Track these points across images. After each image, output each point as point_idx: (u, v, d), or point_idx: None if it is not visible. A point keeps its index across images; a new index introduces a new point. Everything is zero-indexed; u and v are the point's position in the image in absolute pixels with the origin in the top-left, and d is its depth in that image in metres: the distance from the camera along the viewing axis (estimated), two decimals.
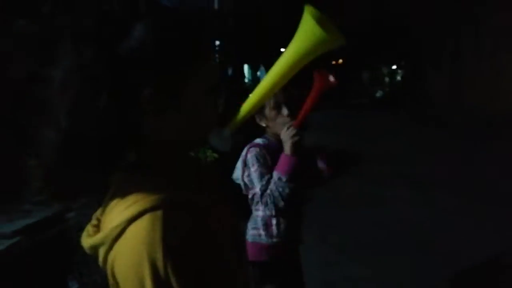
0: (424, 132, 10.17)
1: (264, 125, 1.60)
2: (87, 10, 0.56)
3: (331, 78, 1.44)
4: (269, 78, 0.79)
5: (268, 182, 1.45)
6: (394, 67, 24.27)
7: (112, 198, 0.63)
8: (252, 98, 0.80)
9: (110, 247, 0.58)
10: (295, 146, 1.44)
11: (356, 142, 8.72)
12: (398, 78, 23.98)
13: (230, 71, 7.06)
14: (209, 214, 0.64)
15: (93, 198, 0.77)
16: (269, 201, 1.41)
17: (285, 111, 1.53)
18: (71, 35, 0.56)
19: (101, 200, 0.72)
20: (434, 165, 6.24)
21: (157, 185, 0.62)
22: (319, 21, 0.69)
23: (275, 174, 1.43)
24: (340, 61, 25.48)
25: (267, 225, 1.58)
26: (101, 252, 0.60)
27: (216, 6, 8.10)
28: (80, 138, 0.57)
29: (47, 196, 0.66)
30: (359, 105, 20.29)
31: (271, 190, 1.42)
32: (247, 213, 1.63)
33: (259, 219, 1.59)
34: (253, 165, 1.49)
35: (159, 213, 0.57)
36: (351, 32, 21.70)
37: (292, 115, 1.51)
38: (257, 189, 1.46)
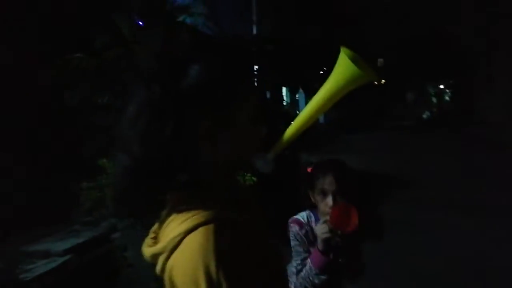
0: (476, 154, 9.63)
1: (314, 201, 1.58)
2: (151, 51, 0.69)
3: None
4: (309, 108, 0.89)
5: (304, 263, 1.47)
6: (441, 86, 23.40)
7: (169, 214, 0.72)
8: (294, 125, 0.88)
9: (169, 256, 0.66)
10: (326, 243, 1.42)
11: (402, 165, 8.42)
12: (446, 98, 23.07)
13: (268, 95, 7.17)
14: (250, 231, 0.72)
15: (144, 217, 0.88)
16: (302, 282, 1.46)
17: (330, 201, 1.46)
18: (141, 74, 0.69)
19: (145, 221, 0.80)
20: (486, 190, 5.86)
21: (208, 203, 0.70)
22: (353, 60, 0.82)
23: (309, 262, 1.45)
24: (383, 81, 25.01)
25: None
26: (160, 261, 0.68)
27: (254, 31, 8.34)
28: (149, 162, 0.67)
29: (114, 213, 0.77)
30: (404, 127, 19.60)
31: (304, 274, 1.45)
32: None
33: (295, 283, 1.54)
34: (292, 240, 1.53)
35: (211, 226, 0.66)
36: (393, 50, 21.33)
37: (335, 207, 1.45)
38: (293, 266, 1.50)
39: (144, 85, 0.68)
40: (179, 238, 0.66)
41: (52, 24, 3.32)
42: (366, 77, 0.83)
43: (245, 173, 3.12)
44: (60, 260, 2.71)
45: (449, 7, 15.49)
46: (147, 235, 0.77)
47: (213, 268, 0.62)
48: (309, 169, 1.58)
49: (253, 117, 0.74)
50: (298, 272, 1.48)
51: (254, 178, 3.18)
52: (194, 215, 0.67)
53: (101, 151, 3.02)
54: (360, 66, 0.82)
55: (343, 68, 0.84)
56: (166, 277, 0.67)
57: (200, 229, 0.65)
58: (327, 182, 1.46)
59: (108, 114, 2.79)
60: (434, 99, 24.58)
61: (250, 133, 0.75)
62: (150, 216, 0.80)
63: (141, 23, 2.99)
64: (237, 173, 0.85)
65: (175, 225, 0.68)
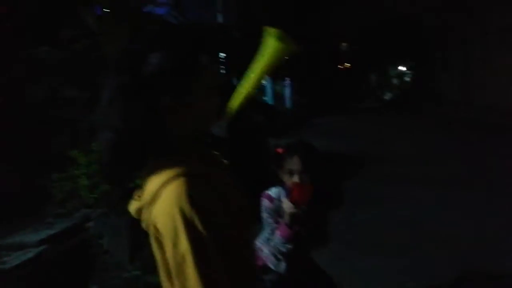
0: (435, 132, 10.18)
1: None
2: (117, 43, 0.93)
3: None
4: (247, 79, 1.16)
5: (273, 233, 1.65)
6: (403, 68, 24.22)
7: (147, 176, 0.88)
8: (237, 96, 1.14)
9: (150, 206, 0.83)
10: (291, 217, 1.59)
11: (367, 145, 8.77)
12: (407, 79, 23.92)
13: (235, 81, 7.27)
14: (221, 184, 0.90)
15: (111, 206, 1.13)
16: (271, 250, 1.65)
17: (296, 180, 1.63)
18: (110, 64, 0.87)
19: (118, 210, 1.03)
20: (446, 165, 6.27)
21: (179, 163, 0.86)
22: (277, 36, 1.12)
23: (277, 233, 1.63)
24: (348, 65, 25.58)
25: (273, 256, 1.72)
26: (144, 213, 0.86)
27: (220, 20, 8.36)
28: (129, 133, 0.84)
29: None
30: (369, 108, 20.27)
31: (273, 243, 1.64)
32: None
33: (266, 250, 1.72)
34: (263, 213, 1.70)
35: (184, 178, 0.82)
36: (357, 35, 21.77)
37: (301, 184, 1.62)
38: (266, 233, 1.69)
39: (114, 73, 0.85)
40: (156, 190, 0.82)
41: (17, 18, 3.27)
42: (287, 49, 1.13)
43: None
44: (35, 251, 2.76)
45: None
46: (121, 222, 0.99)
47: (188, 211, 0.78)
48: (278, 150, 1.74)
49: (208, 90, 0.90)
50: (268, 239, 1.66)
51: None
52: (168, 172, 0.83)
53: (70, 144, 3.05)
54: (284, 41, 1.12)
55: (269, 43, 1.13)
56: (151, 226, 0.84)
57: (174, 182, 0.81)
58: (294, 162, 1.63)
59: (74, 107, 2.83)
60: (395, 81, 25.44)
61: (207, 106, 0.91)
62: (124, 203, 0.99)
63: (106, 15, 3.01)
64: (202, 139, 1.00)
65: (153, 181, 0.85)
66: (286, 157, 1.67)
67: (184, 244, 0.78)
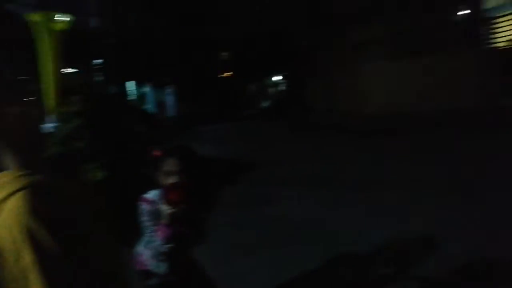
0: (305, 136, 11.28)
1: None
2: None
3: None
4: (45, 76, 1.35)
5: (153, 235, 1.71)
6: (279, 77, 26.11)
7: None
8: (48, 96, 1.31)
9: None
10: (169, 217, 1.67)
11: (246, 150, 9.30)
12: (282, 88, 25.87)
13: (113, 89, 6.99)
14: (72, 195, 0.91)
15: None
16: (153, 251, 1.73)
17: (172, 179, 1.71)
18: None
19: None
20: (316, 165, 7.01)
21: (22, 176, 0.86)
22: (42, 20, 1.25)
23: (157, 234, 1.69)
24: (228, 74, 26.43)
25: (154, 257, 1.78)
26: None
27: (93, 24, 7.87)
28: None
29: None
30: (249, 116, 21.31)
31: (154, 244, 1.71)
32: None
33: (146, 254, 1.79)
34: (142, 216, 1.74)
35: (25, 191, 0.82)
36: (239, 46, 22.67)
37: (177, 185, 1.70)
38: (146, 237, 1.75)
39: None
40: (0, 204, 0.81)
41: None
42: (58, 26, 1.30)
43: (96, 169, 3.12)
44: None
45: (285, 11, 17.31)
46: None
47: (30, 223, 0.78)
48: (155, 153, 1.80)
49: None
50: (149, 243, 1.73)
51: (101, 175, 3.21)
52: (11, 185, 0.84)
53: None
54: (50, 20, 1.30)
55: (39, 32, 1.33)
56: None
57: (17, 195, 0.82)
58: (171, 164, 1.71)
59: None
60: (271, 90, 27.34)
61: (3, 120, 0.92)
62: None
63: None
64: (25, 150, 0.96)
65: None
66: (164, 159, 1.74)
67: (28, 257, 0.76)
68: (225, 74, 25.38)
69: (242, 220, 4.46)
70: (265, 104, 26.09)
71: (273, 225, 4.23)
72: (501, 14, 11.28)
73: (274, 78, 26.59)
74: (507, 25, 11.19)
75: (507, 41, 11.26)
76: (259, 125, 16.33)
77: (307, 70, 19.21)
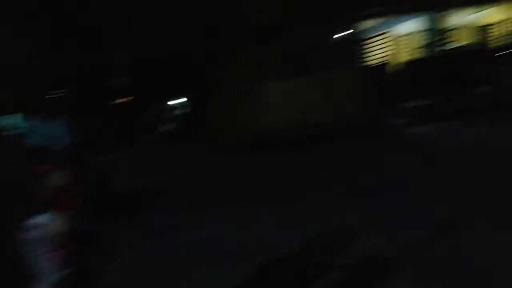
0: (207, 156, 11.54)
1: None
2: None
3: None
4: None
5: (47, 264, 1.59)
6: (183, 99, 25.90)
7: None
8: None
9: None
10: (65, 233, 1.60)
11: (155, 175, 9.12)
12: (186, 110, 25.74)
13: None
14: None
15: None
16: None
17: (61, 190, 1.65)
18: None
19: None
20: (218, 184, 7.25)
21: None
22: None
23: (52, 258, 1.59)
24: (126, 99, 25.36)
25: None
26: None
27: None
28: None
29: None
30: (151, 140, 20.70)
31: (50, 278, 1.59)
32: None
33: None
34: (30, 246, 1.61)
35: None
36: (138, 69, 22.01)
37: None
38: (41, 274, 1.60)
39: None
40: None
41: None
42: None
43: None
44: None
45: (182, 33, 17.42)
46: None
47: None
48: (39, 169, 1.74)
49: None
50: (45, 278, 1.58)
51: None
52: None
53: None
54: None
55: None
56: None
57: None
58: (58, 176, 1.66)
59: None
60: (176, 112, 27.00)
61: None
62: None
63: None
64: None
65: None
66: (51, 174, 1.69)
67: None
68: (123, 100, 24.31)
69: (157, 246, 4.42)
70: (168, 127, 25.60)
71: (188, 250, 4.28)
72: (372, 35, 13.07)
73: (178, 101, 26.33)
74: (377, 45, 13.04)
75: (378, 58, 13.09)
76: (162, 148, 16.01)
77: (208, 91, 19.52)
